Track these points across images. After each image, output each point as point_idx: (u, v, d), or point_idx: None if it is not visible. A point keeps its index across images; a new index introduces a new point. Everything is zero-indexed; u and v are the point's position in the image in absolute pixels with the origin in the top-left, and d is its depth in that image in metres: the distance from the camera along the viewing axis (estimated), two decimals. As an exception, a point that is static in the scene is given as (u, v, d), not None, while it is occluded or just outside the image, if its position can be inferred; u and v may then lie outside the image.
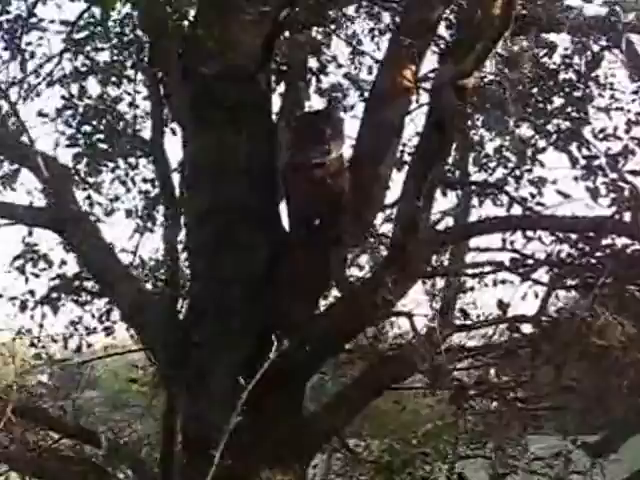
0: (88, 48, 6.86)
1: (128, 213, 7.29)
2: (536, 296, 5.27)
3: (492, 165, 6.69)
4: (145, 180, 7.24)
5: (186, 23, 5.28)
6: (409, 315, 4.50)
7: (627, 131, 6.23)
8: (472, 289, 6.93)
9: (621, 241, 4.80)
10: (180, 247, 5.52)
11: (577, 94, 6.14)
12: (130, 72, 6.90)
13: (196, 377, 4.84)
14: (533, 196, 6.09)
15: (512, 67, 3.50)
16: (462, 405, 4.56)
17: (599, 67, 4.29)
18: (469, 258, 6.18)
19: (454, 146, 5.34)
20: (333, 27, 6.66)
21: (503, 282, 6.71)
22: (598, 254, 4.80)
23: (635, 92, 4.97)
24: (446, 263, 6.28)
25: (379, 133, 4.72)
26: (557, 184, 6.22)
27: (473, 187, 6.13)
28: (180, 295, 5.31)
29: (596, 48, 4.56)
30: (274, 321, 4.55)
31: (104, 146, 6.89)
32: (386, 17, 6.78)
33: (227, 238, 4.91)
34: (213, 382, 4.73)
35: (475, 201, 6.66)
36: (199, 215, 5.08)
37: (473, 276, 5.84)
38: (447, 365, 4.23)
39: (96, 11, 6.54)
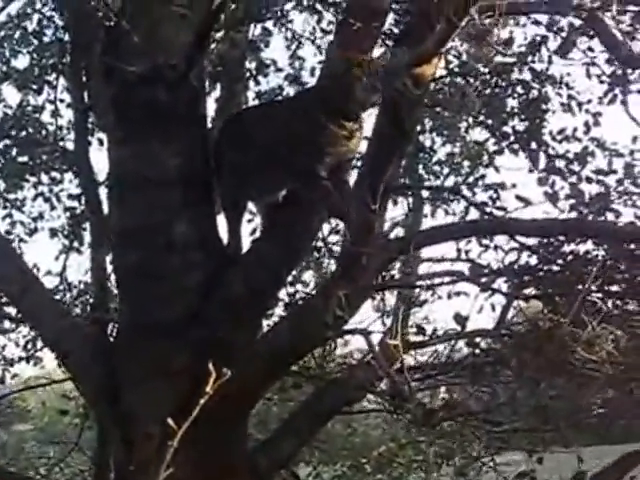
0: (4, 51, 6.39)
1: (53, 232, 6.85)
2: (493, 308, 5.04)
3: (444, 171, 6.42)
4: (71, 196, 6.80)
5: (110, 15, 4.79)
6: (365, 333, 4.09)
7: (586, 132, 6.03)
8: (425, 302, 6.62)
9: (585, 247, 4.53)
10: (109, 268, 5.07)
11: (533, 94, 5.93)
12: (51, 77, 6.44)
13: (127, 411, 4.40)
14: (493, 200, 5.77)
15: (478, 45, 3.07)
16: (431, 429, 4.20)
17: (572, 50, 3.95)
18: (422, 269, 5.92)
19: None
20: (271, 24, 6.27)
21: (458, 294, 6.43)
22: (560, 261, 4.53)
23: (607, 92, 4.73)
24: (398, 275, 5.97)
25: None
26: (516, 189, 5.99)
27: (426, 193, 5.77)
28: (109, 321, 4.88)
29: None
30: (212, 349, 4.13)
31: (24, 159, 6.41)
32: (328, 15, 6.40)
33: (156, 260, 4.45)
34: (145, 416, 4.29)
35: (427, 210, 6.39)
36: (125, 234, 4.59)
37: (429, 288, 5.49)
38: (411, 386, 3.84)
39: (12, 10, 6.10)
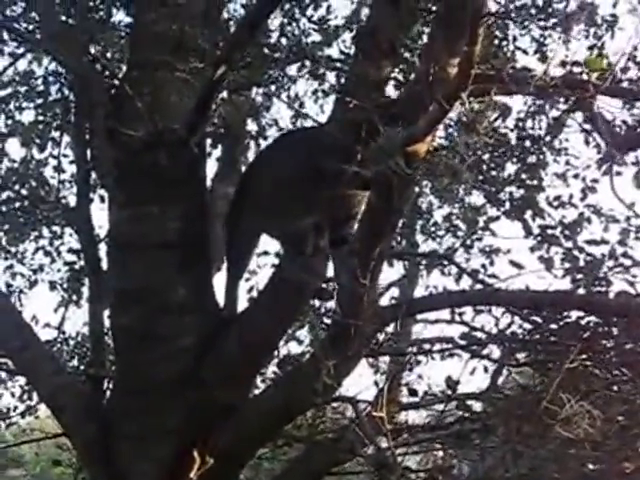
0: (10, 107, 6.47)
1: (52, 285, 6.89)
2: (485, 370, 5.09)
3: (441, 234, 6.46)
4: (71, 250, 6.85)
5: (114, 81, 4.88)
6: (353, 401, 4.13)
7: (582, 199, 6.07)
8: (418, 363, 6.63)
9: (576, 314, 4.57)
10: (107, 323, 5.13)
11: (531, 160, 5.97)
12: (55, 134, 6.51)
13: (119, 469, 4.42)
14: (485, 267, 5.82)
15: (468, 131, 3.13)
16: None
17: (561, 132, 4.02)
18: (416, 330, 5.94)
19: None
20: (273, 88, 6.34)
21: (452, 355, 6.46)
22: (552, 327, 4.57)
23: (602, 160, 4.76)
24: (390, 338, 5.99)
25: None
26: (510, 254, 6.03)
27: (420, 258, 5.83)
28: (104, 377, 4.90)
29: (556, 113, 4.31)
30: (205, 409, 4.21)
31: (26, 214, 6.48)
32: (331, 77, 6.49)
33: (153, 322, 4.50)
34: (137, 474, 4.34)
35: (422, 272, 6.44)
36: (123, 294, 4.65)
37: (420, 354, 5.53)
38: (395, 456, 3.85)
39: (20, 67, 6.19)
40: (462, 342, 4.94)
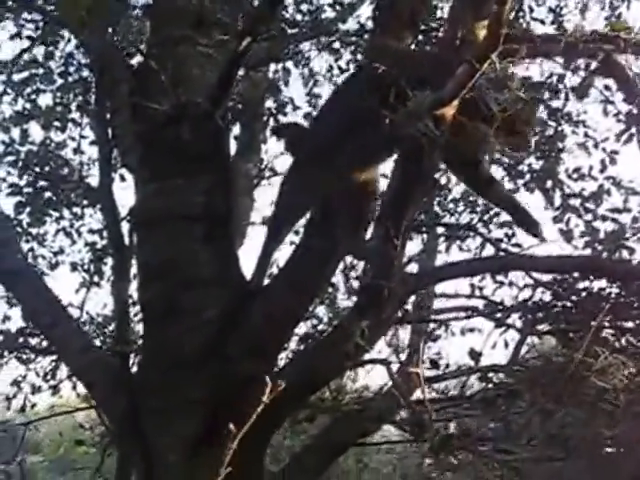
0: (29, 90, 6.50)
1: (73, 266, 6.92)
2: (506, 345, 5.09)
3: (459, 209, 6.46)
4: (92, 231, 6.89)
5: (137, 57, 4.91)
6: (386, 362, 4.16)
7: (602, 170, 6.06)
8: (439, 337, 6.65)
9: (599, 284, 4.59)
10: (130, 301, 5.20)
11: (549, 132, 5.96)
12: (75, 115, 6.54)
13: (147, 441, 4.46)
14: (508, 237, 5.82)
15: (499, 88, 3.16)
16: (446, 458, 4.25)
17: (588, 94, 4.03)
18: (436, 305, 5.94)
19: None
20: (291, 64, 6.37)
21: (472, 330, 6.48)
22: (574, 297, 4.59)
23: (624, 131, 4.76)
24: (412, 312, 6.00)
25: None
26: None
27: (441, 229, 5.84)
28: (130, 352, 4.94)
29: (577, 80, 4.31)
30: (230, 382, 4.23)
31: (48, 194, 6.51)
32: (346, 54, 6.51)
33: (178, 295, 4.52)
34: (164, 445, 4.36)
35: (442, 247, 6.44)
36: (149, 268, 4.69)
37: (445, 322, 5.55)
38: (430, 414, 3.89)
39: (38, 50, 6.21)
40: (485, 311, 4.98)
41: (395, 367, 4.78)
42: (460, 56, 3.29)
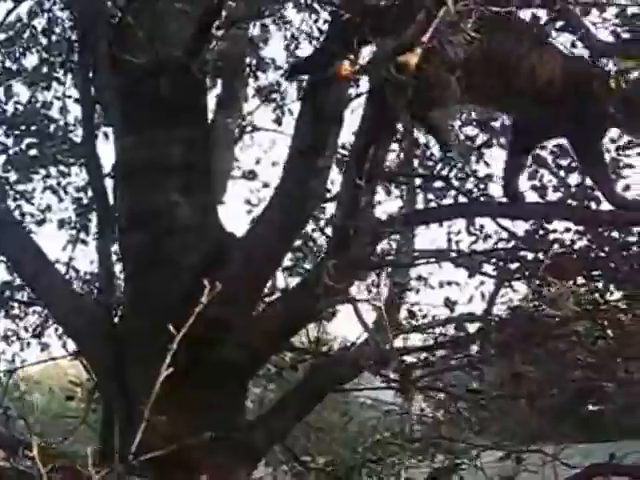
0: (15, 49, 6.61)
1: (60, 224, 7.03)
2: (483, 296, 5.26)
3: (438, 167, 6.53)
4: (78, 189, 7.00)
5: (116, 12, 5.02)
6: (353, 300, 4.28)
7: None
8: (418, 290, 6.79)
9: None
10: (114, 256, 5.32)
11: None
12: (60, 74, 6.64)
13: (130, 387, 4.63)
14: (479, 188, 5.92)
15: (454, 31, 3.29)
16: (410, 390, 4.38)
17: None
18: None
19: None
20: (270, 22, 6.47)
21: (449, 283, 6.62)
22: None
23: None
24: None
25: (317, 123, 4.52)
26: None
27: (418, 182, 5.93)
28: (114, 303, 5.07)
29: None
30: (208, 327, 4.33)
31: (34, 152, 6.62)
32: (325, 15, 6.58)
33: (158, 244, 4.71)
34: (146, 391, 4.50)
35: (420, 202, 6.53)
36: (131, 217, 4.86)
37: (421, 264, 5.63)
38: (393, 345, 4.03)
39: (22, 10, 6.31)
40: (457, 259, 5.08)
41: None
42: (420, 3, 3.40)
